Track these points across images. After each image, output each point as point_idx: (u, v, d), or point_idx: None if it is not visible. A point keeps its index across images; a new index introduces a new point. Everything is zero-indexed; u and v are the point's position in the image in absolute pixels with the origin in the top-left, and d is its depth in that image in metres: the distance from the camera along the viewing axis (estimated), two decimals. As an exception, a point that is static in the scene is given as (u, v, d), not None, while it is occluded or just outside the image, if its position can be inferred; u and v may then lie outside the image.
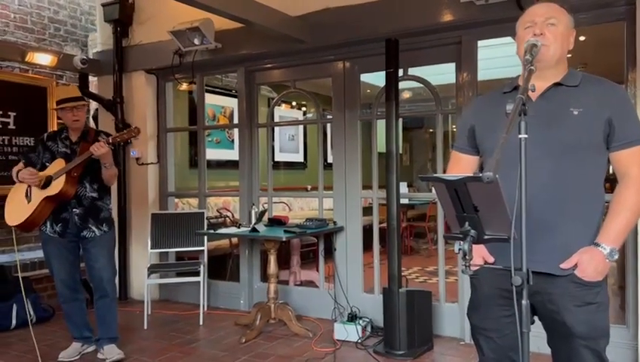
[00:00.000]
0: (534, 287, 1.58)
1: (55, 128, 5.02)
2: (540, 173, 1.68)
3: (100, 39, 5.50)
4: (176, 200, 5.69)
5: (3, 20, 5.19)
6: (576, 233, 1.73)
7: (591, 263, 1.69)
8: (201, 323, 4.39)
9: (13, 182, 3.45)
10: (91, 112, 5.65)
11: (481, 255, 1.82)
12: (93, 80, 5.47)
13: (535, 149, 1.63)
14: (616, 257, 1.71)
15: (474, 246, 1.46)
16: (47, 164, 3.42)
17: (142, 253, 5.02)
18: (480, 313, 1.90)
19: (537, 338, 1.82)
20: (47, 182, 3.33)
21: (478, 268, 1.80)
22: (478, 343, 1.93)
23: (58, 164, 3.35)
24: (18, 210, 3.38)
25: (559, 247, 1.72)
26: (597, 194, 1.79)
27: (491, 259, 1.82)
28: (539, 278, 1.66)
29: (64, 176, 3.28)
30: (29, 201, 3.35)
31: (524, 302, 1.50)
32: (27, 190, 3.39)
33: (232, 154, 6.26)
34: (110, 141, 3.30)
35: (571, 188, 1.72)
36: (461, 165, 2.01)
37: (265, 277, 4.42)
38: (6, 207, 3.49)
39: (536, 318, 1.80)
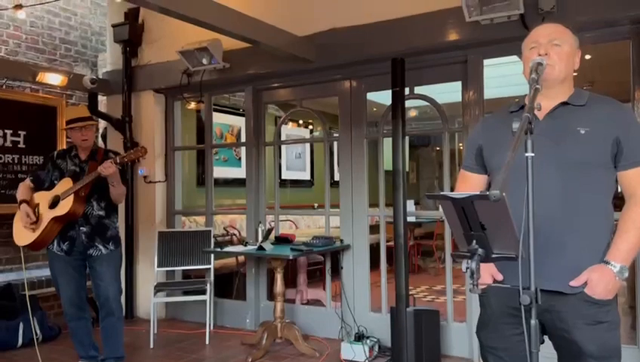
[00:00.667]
0: (544, 305, 1.58)
1: (64, 147, 5.06)
2: (548, 191, 1.68)
3: (109, 59, 5.57)
4: (183, 218, 5.70)
5: (15, 41, 5.29)
6: (586, 251, 1.73)
7: (601, 281, 1.68)
8: (207, 342, 4.36)
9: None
10: (100, 131, 5.71)
11: (490, 272, 1.81)
12: (102, 99, 5.53)
13: (543, 167, 1.63)
14: (626, 275, 1.70)
15: (482, 264, 1.46)
16: (56, 181, 3.44)
17: (148, 272, 5.02)
18: (489, 331, 1.89)
19: (548, 359, 1.80)
20: (54, 202, 3.35)
21: (485, 286, 1.79)
22: (486, 361, 1.91)
23: (66, 183, 3.37)
24: (26, 231, 3.39)
25: (569, 265, 1.71)
26: (606, 212, 1.78)
27: (500, 277, 1.81)
28: (548, 296, 1.66)
29: (72, 195, 3.30)
30: (37, 221, 3.37)
31: (532, 321, 1.48)
32: (35, 210, 3.42)
33: (240, 173, 6.28)
34: (117, 161, 3.32)
35: (580, 206, 1.72)
36: (469, 184, 2.02)
37: (271, 296, 4.40)
38: (14, 226, 3.50)
39: (546, 338, 1.78)
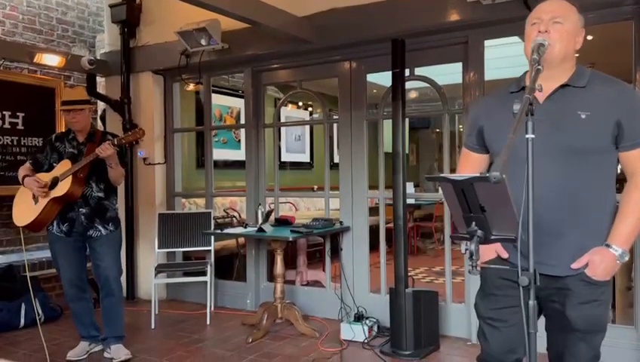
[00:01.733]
0: (541, 285, 1.59)
1: (63, 129, 5.05)
2: (548, 175, 1.68)
3: (107, 40, 5.52)
4: (183, 200, 5.71)
5: (12, 21, 5.23)
6: (586, 235, 1.73)
7: (602, 264, 1.70)
8: (208, 322, 4.41)
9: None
10: (99, 113, 5.69)
11: (494, 248, 1.83)
12: (100, 80, 5.50)
13: (543, 152, 1.63)
14: (626, 258, 1.72)
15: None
16: (55, 164, 3.45)
17: (149, 253, 5.04)
18: (488, 302, 1.90)
19: (545, 339, 1.82)
20: (53, 183, 3.36)
21: (486, 263, 1.82)
22: (482, 332, 1.92)
23: (64, 165, 3.38)
24: (26, 211, 3.41)
25: (569, 249, 1.73)
26: (607, 194, 1.78)
27: (505, 254, 1.84)
28: (547, 279, 1.69)
29: (70, 177, 3.31)
30: (36, 202, 3.38)
31: (531, 302, 1.49)
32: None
33: (239, 155, 6.27)
34: (115, 143, 3.32)
35: (580, 190, 1.72)
36: (471, 163, 2.02)
37: (271, 277, 4.42)
38: (14, 207, 3.52)
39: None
